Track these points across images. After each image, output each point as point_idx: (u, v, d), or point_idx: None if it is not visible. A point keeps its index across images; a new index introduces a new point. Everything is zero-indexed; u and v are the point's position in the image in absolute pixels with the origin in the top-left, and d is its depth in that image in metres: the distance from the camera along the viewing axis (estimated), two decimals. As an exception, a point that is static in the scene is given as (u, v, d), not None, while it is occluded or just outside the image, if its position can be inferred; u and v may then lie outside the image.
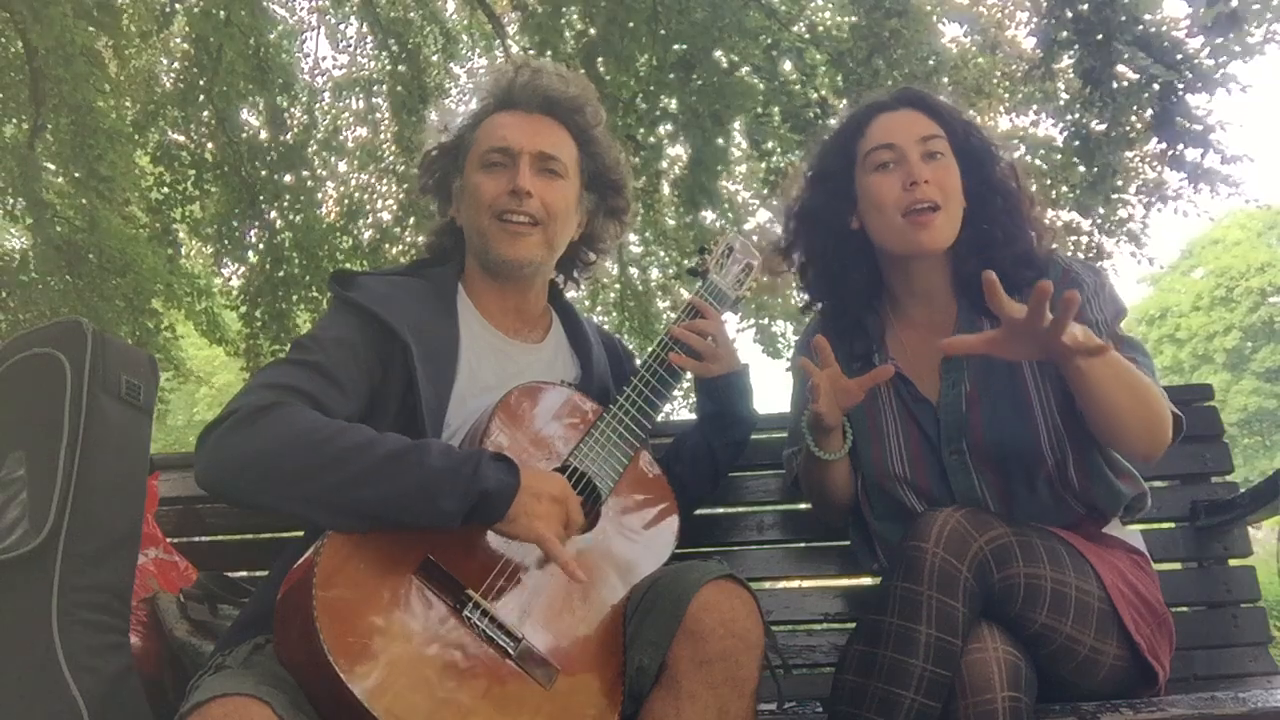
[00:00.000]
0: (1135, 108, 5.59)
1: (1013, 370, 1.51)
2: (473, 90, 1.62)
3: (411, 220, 7.78)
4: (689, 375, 1.61)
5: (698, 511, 1.78)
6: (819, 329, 1.67)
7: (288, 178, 7.70)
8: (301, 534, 1.43)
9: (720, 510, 2.02)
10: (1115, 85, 5.42)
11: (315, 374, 1.32)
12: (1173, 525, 1.89)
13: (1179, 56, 5.20)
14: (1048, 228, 1.63)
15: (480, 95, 1.61)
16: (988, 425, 1.50)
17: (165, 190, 7.45)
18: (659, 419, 1.52)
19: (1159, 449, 1.43)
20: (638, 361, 1.62)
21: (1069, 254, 1.63)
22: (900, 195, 1.53)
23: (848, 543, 1.76)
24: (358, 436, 1.21)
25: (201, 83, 7.00)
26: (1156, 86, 5.24)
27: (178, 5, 6.85)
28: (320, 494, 1.17)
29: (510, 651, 1.18)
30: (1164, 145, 5.68)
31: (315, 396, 1.29)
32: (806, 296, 1.73)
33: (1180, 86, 5.24)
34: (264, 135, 7.87)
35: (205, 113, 7.23)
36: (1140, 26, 5.28)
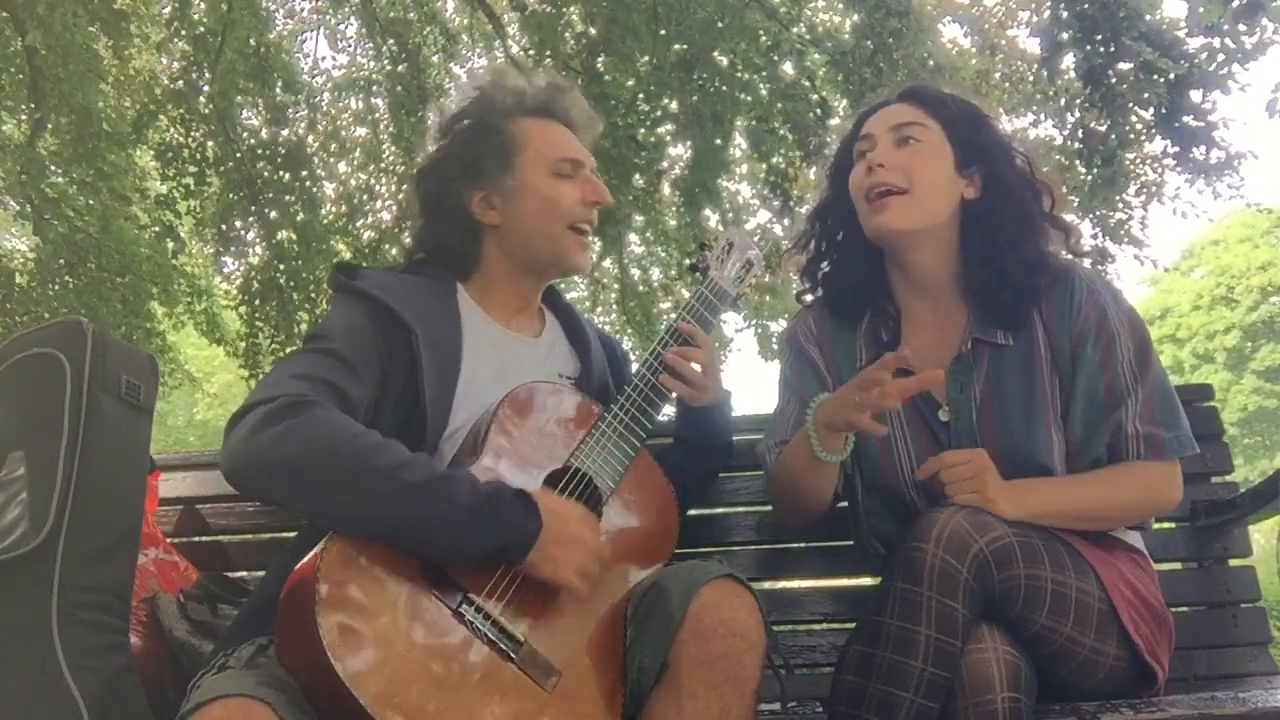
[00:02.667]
0: (1135, 107, 5.59)
1: (1030, 374, 1.49)
2: (487, 86, 1.61)
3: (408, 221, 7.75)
4: None
5: (697, 511, 1.78)
6: (812, 316, 1.68)
7: (288, 176, 7.69)
8: (298, 533, 1.43)
9: (719, 510, 2.02)
10: (1116, 84, 5.41)
11: (337, 361, 1.33)
12: (1173, 525, 1.89)
13: (1185, 57, 5.19)
14: (1072, 228, 1.60)
15: (507, 95, 1.59)
16: (999, 431, 1.48)
17: (169, 184, 7.43)
18: (659, 418, 1.52)
19: (1155, 513, 1.55)
20: (633, 367, 1.63)
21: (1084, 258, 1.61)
22: (863, 180, 1.54)
23: (848, 543, 1.76)
24: (389, 457, 1.20)
25: (202, 80, 6.99)
26: (1162, 82, 5.23)
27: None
28: (343, 508, 1.18)
29: (512, 654, 1.18)
30: (1168, 142, 5.67)
31: (339, 386, 1.30)
32: (808, 285, 1.73)
33: (1176, 78, 5.23)
34: (264, 134, 7.86)
35: (205, 112, 7.22)
36: (1144, 23, 5.27)
